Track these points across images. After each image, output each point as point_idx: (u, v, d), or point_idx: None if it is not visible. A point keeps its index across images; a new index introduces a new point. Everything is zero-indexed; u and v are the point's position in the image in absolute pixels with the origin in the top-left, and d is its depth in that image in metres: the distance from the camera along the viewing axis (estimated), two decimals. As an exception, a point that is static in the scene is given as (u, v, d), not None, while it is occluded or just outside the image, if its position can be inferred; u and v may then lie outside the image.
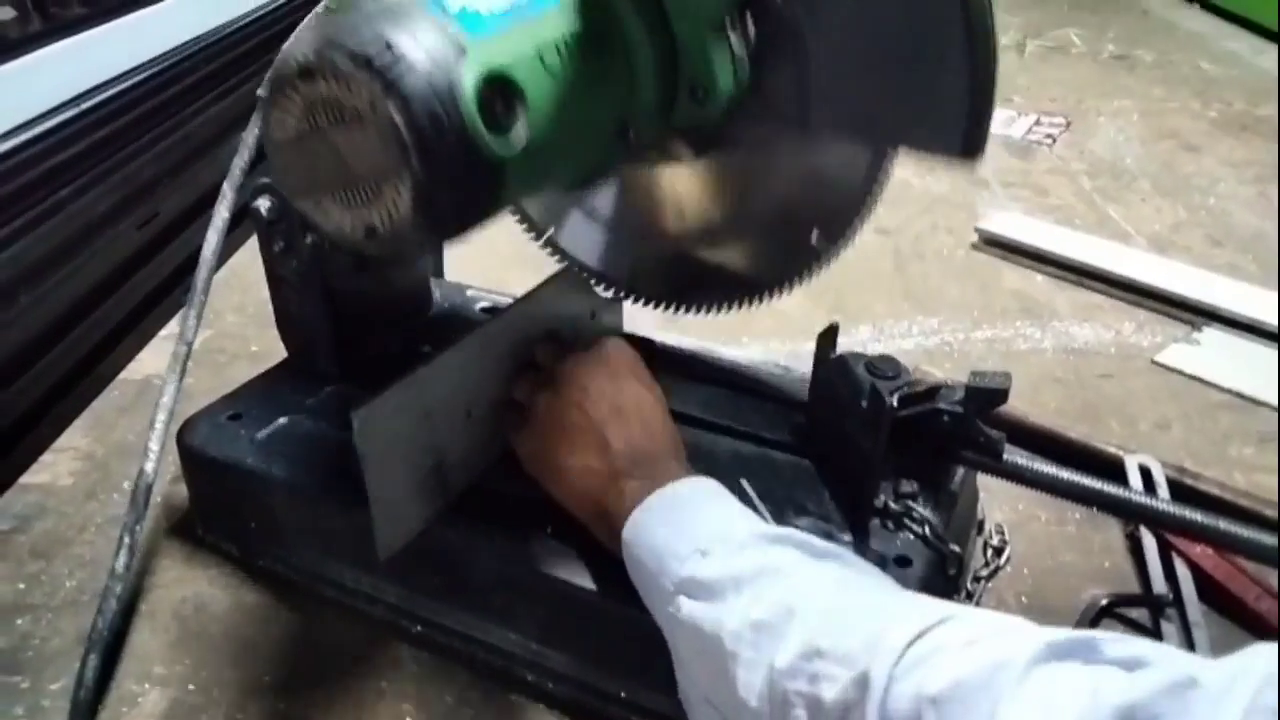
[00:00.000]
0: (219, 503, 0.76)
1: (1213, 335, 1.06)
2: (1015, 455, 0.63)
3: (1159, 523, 0.63)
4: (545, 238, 0.83)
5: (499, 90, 0.48)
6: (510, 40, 0.50)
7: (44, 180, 0.89)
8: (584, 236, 0.82)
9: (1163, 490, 0.78)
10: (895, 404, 0.60)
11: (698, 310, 0.78)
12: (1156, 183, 1.51)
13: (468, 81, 0.46)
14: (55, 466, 0.86)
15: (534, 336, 0.70)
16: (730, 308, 0.77)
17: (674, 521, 0.53)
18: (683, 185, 0.72)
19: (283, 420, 0.76)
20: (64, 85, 1.04)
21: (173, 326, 1.09)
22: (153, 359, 1.04)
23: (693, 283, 0.77)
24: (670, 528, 0.53)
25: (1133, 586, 0.74)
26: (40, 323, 0.83)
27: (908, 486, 0.65)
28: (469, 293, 0.96)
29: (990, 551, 0.76)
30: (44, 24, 1.77)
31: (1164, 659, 0.31)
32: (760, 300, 0.75)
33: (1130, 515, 0.70)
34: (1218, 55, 2.23)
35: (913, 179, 1.51)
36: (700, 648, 0.49)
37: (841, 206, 0.66)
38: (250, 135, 0.72)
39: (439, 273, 1.01)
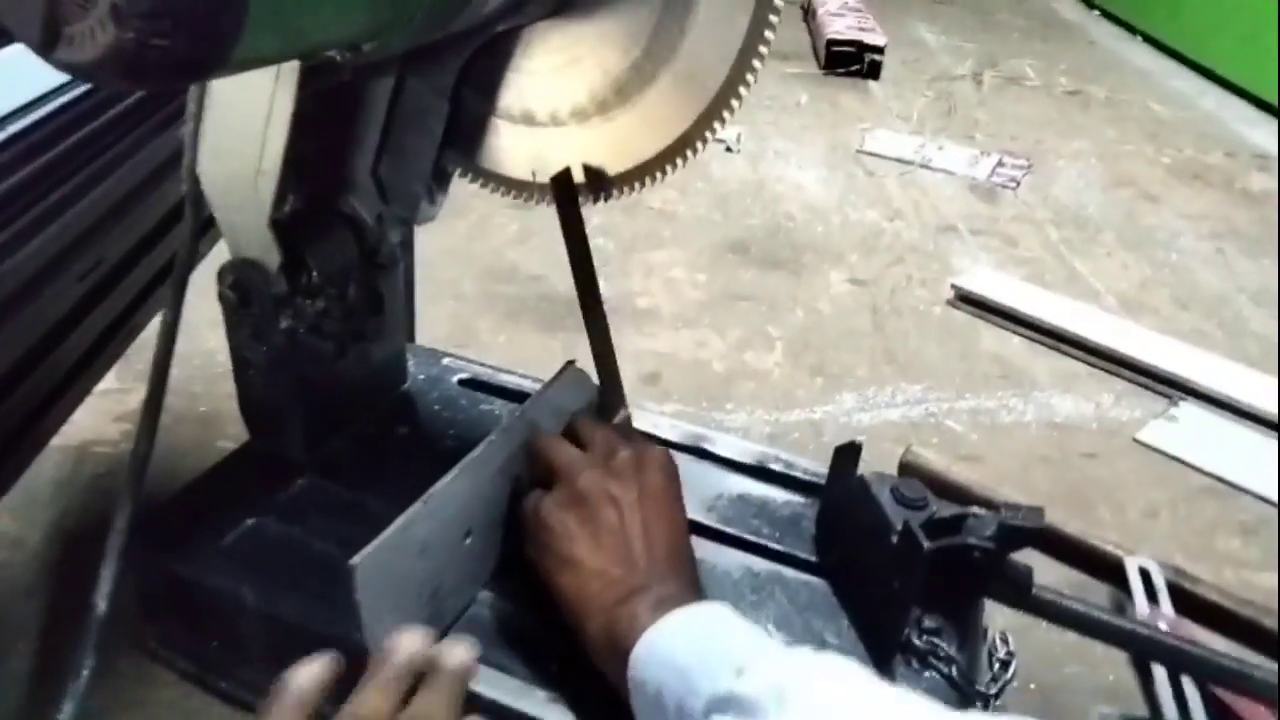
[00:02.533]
0: (176, 618, 0.69)
1: (1189, 411, 1.07)
2: (1043, 591, 0.62)
3: (1192, 670, 0.62)
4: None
5: None
6: None
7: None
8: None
9: (1164, 596, 0.78)
10: (929, 544, 0.57)
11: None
12: (1120, 235, 1.52)
13: None
14: (-19, 557, 0.77)
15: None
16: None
17: (702, 640, 0.49)
18: None
19: (250, 522, 0.69)
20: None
21: (109, 381, 1.00)
22: (89, 419, 0.95)
23: None
24: (698, 646, 0.49)
25: (1137, 700, 0.73)
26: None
27: (931, 621, 0.62)
28: (445, 361, 0.90)
29: (997, 665, 0.73)
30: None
31: None
32: None
33: (1162, 659, 0.69)
34: (1165, 94, 2.28)
35: (884, 223, 1.50)
36: None
37: None
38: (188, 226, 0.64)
39: (410, 337, 0.95)
